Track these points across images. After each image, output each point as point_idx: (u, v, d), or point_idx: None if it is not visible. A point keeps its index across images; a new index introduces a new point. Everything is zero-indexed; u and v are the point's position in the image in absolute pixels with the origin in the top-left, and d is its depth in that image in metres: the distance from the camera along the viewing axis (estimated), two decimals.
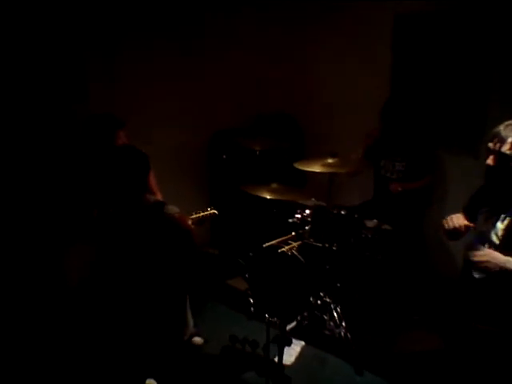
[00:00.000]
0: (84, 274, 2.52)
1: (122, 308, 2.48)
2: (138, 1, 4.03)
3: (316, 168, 3.23)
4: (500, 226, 2.32)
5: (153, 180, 3.34)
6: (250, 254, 3.49)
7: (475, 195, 2.57)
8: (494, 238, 2.33)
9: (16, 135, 3.56)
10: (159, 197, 3.36)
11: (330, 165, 3.25)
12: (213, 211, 3.33)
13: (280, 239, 3.59)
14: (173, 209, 2.58)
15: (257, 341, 2.17)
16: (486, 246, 2.34)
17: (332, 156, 3.27)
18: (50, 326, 2.92)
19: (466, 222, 2.42)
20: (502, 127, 2.28)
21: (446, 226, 2.46)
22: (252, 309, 3.47)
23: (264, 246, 3.49)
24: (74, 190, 3.16)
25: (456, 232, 2.44)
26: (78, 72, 3.83)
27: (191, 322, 3.15)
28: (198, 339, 3.25)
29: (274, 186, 3.45)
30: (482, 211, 2.43)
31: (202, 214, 3.26)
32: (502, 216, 2.31)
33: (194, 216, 3.18)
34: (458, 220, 2.44)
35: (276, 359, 2.37)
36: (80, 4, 3.71)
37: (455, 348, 2.47)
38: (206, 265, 4.36)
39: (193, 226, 2.91)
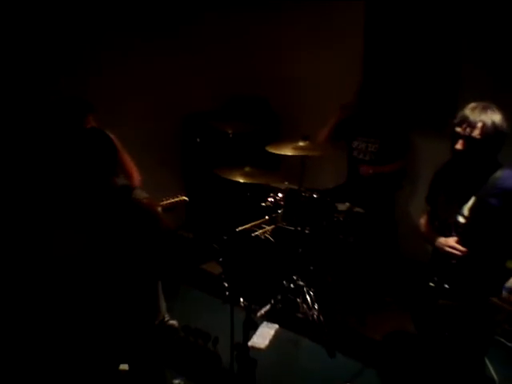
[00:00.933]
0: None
1: (88, 294, 2.44)
2: None
3: (287, 151, 3.20)
4: (466, 206, 2.35)
5: (128, 161, 3.27)
6: (224, 237, 3.48)
7: (433, 183, 2.60)
8: (461, 219, 2.36)
9: None
10: (136, 178, 3.30)
11: (301, 148, 3.23)
12: (183, 198, 3.29)
13: (253, 223, 3.59)
14: (141, 194, 2.54)
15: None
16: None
17: (303, 139, 3.25)
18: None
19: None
20: (468, 111, 2.28)
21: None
22: (226, 293, 3.48)
23: (237, 229, 3.49)
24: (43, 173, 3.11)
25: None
26: (47, 56, 3.74)
27: (164, 306, 3.12)
28: (172, 323, 3.23)
29: (248, 169, 3.42)
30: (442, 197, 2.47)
31: (172, 200, 3.22)
32: (468, 197, 2.34)
33: (164, 202, 3.14)
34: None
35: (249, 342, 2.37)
36: None
37: (423, 326, 2.51)
38: (180, 249, 4.33)
39: (161, 212, 2.88)
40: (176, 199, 3.28)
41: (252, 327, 2.10)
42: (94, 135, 2.52)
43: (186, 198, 3.31)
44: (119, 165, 2.68)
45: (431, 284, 2.39)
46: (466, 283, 2.33)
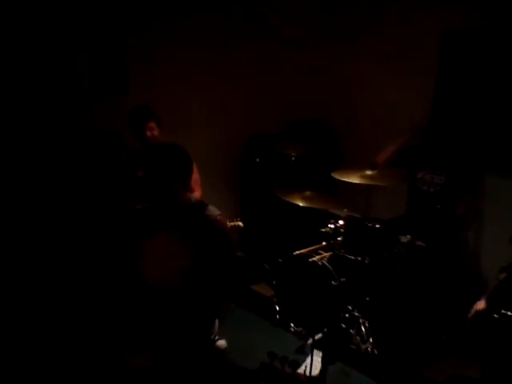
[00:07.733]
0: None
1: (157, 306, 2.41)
2: None
3: (355, 179, 3.17)
4: None
5: (195, 175, 3.31)
6: (280, 260, 3.45)
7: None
8: None
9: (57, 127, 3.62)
10: (198, 194, 3.34)
11: (368, 177, 3.19)
12: (239, 223, 3.29)
13: (311, 248, 3.55)
14: (214, 211, 2.49)
15: (297, 361, 2.05)
16: None
17: (371, 168, 3.21)
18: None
19: None
20: None
21: None
22: (277, 316, 3.43)
23: (294, 253, 3.45)
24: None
25: None
26: (121, 69, 3.87)
27: (217, 322, 3.10)
28: (221, 342, 3.21)
29: (308, 193, 3.41)
30: None
31: (229, 223, 3.21)
32: None
33: None
34: None
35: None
36: None
37: (493, 379, 2.39)
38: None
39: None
40: (232, 223, 3.28)
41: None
42: (173, 149, 2.45)
43: (241, 224, 3.31)
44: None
45: (495, 316, 2.28)
46: None
